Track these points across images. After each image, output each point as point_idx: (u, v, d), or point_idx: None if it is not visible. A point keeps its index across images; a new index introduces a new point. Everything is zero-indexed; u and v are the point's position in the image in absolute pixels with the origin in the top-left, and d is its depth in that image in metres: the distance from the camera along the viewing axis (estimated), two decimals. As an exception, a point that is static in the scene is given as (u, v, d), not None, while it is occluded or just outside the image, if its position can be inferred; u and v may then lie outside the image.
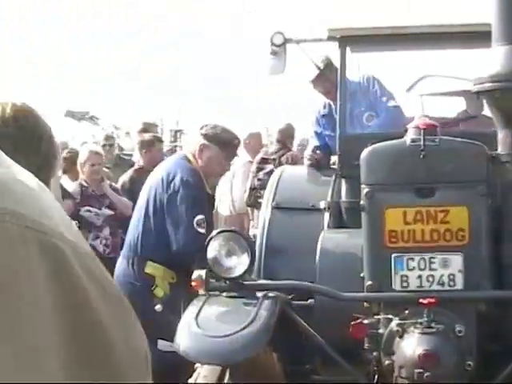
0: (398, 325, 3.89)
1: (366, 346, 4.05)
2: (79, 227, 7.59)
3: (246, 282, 4.02)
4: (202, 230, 4.81)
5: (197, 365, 3.98)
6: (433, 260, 3.91)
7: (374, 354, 4.03)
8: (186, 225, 4.75)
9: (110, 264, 7.26)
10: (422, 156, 3.89)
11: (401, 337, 3.86)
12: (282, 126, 9.48)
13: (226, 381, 3.82)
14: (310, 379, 4.56)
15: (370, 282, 4.03)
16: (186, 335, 3.78)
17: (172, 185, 4.90)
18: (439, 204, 3.92)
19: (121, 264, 5.17)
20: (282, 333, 4.16)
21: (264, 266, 5.31)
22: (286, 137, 9.25)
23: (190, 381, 3.91)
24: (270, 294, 4.03)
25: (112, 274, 5.25)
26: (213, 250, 3.97)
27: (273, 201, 5.65)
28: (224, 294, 4.03)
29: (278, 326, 4.03)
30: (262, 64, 5.87)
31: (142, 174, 8.27)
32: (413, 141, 3.95)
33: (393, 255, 3.94)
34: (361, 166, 4.10)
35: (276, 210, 5.60)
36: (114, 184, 8.04)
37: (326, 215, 5.49)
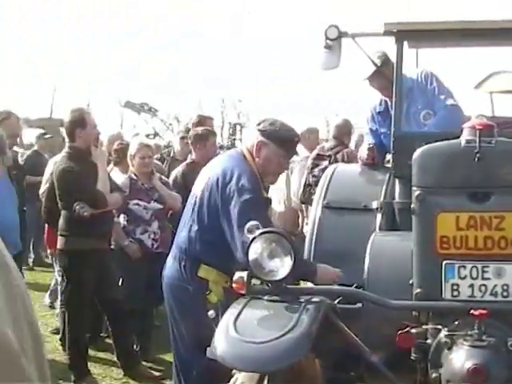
0: (447, 336, 3.69)
1: (413, 356, 3.87)
2: (127, 221, 7.52)
3: (289, 286, 3.85)
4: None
5: (234, 371, 3.82)
6: (486, 269, 3.70)
7: (421, 365, 3.85)
8: (237, 232, 4.50)
9: (158, 259, 7.16)
10: (477, 158, 3.68)
11: (449, 349, 3.67)
12: (339, 122, 9.26)
13: (263, 388, 3.65)
14: None
15: (418, 290, 3.84)
16: (224, 339, 3.63)
17: (228, 187, 4.64)
18: (494, 209, 3.71)
19: (172, 266, 4.95)
20: (326, 338, 4.00)
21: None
22: (342, 133, 9.03)
23: (227, 387, 3.76)
24: (314, 299, 3.85)
25: (157, 269, 5.11)
26: (254, 251, 3.81)
27: (324, 199, 5.51)
28: (266, 297, 3.86)
29: (322, 331, 3.88)
30: (315, 58, 5.69)
31: (194, 169, 8.17)
32: (468, 142, 3.74)
33: (444, 262, 3.75)
34: (412, 167, 3.91)
35: (326, 209, 5.46)
36: (164, 177, 7.93)
37: (378, 216, 5.33)
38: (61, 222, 6.92)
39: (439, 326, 3.78)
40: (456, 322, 3.73)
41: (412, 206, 3.88)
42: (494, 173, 3.73)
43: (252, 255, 3.80)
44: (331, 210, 5.49)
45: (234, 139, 23.74)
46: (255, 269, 3.80)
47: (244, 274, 3.86)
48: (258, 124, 4.92)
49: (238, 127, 29.37)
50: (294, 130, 5.10)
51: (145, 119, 27.81)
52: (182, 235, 4.94)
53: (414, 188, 3.89)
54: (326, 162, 8.36)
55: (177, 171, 8.26)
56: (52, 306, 9.27)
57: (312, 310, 3.74)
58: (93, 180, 6.72)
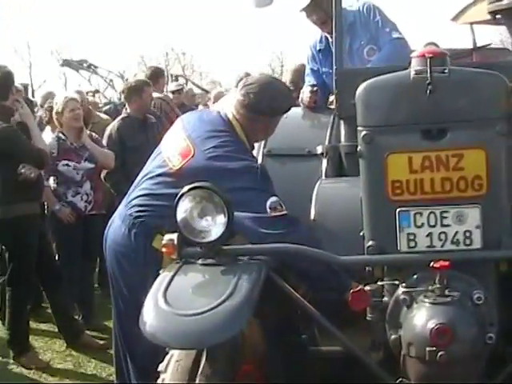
0: (405, 293, 3.28)
1: (369, 316, 3.45)
2: (57, 183, 7.02)
3: (225, 247, 3.38)
4: (281, 213, 3.99)
5: (169, 347, 3.36)
6: (445, 214, 3.27)
7: (379, 325, 3.44)
8: (257, 213, 3.94)
9: (92, 222, 6.72)
10: (428, 90, 3.23)
11: (409, 307, 3.25)
12: (295, 67, 8.86)
13: (201, 366, 3.19)
14: (307, 351, 3.98)
15: (371, 243, 3.41)
16: (152, 313, 3.16)
17: (226, 171, 4.05)
18: (451, 147, 3.26)
19: (118, 229, 4.36)
20: (269, 301, 3.57)
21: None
22: (299, 77, 8.63)
23: (161, 366, 3.29)
24: (254, 260, 3.40)
25: (92, 233, 4.59)
26: (182, 210, 3.34)
27: (264, 147, 5.07)
28: (199, 261, 3.40)
29: (265, 294, 3.44)
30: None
31: (130, 123, 7.69)
32: (417, 72, 3.29)
33: (397, 210, 3.31)
34: (356, 105, 3.46)
35: (268, 157, 5.04)
36: (94, 134, 7.42)
37: (324, 162, 4.92)
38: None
39: (396, 282, 3.36)
40: (415, 277, 3.31)
41: (358, 148, 3.43)
42: (448, 106, 3.28)
43: (180, 214, 3.33)
44: (273, 158, 5.06)
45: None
46: (184, 229, 3.33)
47: (174, 235, 3.40)
48: (244, 96, 4.33)
49: (182, 80, 28.68)
50: (287, 95, 4.55)
51: (86, 77, 26.99)
52: (135, 196, 4.36)
53: (359, 128, 3.44)
54: None
55: (111, 126, 7.77)
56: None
57: (252, 272, 3.29)
58: (27, 139, 6.26)
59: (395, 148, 3.31)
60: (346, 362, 3.58)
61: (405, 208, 3.30)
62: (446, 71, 3.27)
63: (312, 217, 4.15)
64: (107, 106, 10.94)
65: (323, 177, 4.83)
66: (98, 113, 9.21)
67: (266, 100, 4.31)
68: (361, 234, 3.49)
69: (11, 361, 6.60)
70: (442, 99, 3.27)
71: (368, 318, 3.46)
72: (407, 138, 3.31)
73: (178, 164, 4.18)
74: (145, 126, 7.89)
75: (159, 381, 3.23)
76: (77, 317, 7.27)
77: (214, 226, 3.32)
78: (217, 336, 3.05)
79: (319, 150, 4.97)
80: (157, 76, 9.86)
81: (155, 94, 9.30)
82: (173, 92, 11.49)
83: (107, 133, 7.68)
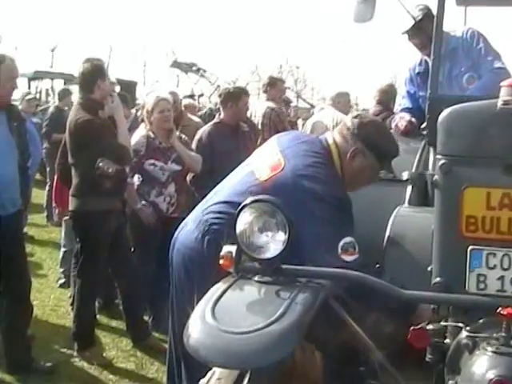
0: (468, 337, 3.04)
1: (428, 357, 3.23)
2: (142, 182, 6.97)
3: (284, 266, 3.22)
4: (351, 258, 3.68)
5: (212, 363, 3.21)
6: None
7: (438, 368, 3.22)
8: (327, 249, 3.69)
9: (173, 224, 6.63)
10: None
11: (471, 352, 3.01)
12: (383, 87, 8.66)
13: (243, 388, 3.04)
14: None
15: (438, 279, 3.19)
16: (198, 327, 3.03)
17: (310, 198, 3.83)
18: (534, 187, 3.03)
19: (191, 233, 4.18)
20: (327, 328, 3.40)
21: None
22: (388, 98, 8.45)
23: (202, 381, 3.15)
24: (313, 282, 3.23)
25: (172, 235, 4.46)
26: (243, 222, 3.19)
27: None
28: (256, 277, 3.25)
29: (323, 321, 3.27)
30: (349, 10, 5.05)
31: (221, 129, 7.61)
32: (505, 103, 3.06)
33: (469, 248, 3.08)
34: (438, 132, 3.25)
35: None
36: (184, 136, 7.35)
37: (409, 189, 4.71)
38: (74, 181, 6.42)
39: (460, 324, 3.12)
40: (480, 321, 3.08)
41: (435, 177, 3.23)
42: None
43: (239, 227, 3.19)
44: None
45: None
46: (242, 243, 3.18)
47: (233, 248, 3.26)
48: (356, 126, 4.09)
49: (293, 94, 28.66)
50: (395, 140, 4.28)
51: (194, 81, 27.22)
52: (214, 202, 4.18)
53: (438, 157, 3.23)
54: None
55: (202, 130, 7.69)
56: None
57: (308, 295, 3.11)
58: (111, 134, 6.21)
59: (474, 181, 3.09)
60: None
61: (478, 247, 3.08)
62: (537, 103, 3.04)
63: (384, 243, 3.95)
64: (203, 111, 10.89)
65: (406, 203, 4.62)
66: (190, 115, 9.14)
67: (381, 136, 4.09)
68: (428, 268, 3.28)
69: (75, 353, 6.57)
70: None
71: (427, 359, 3.24)
72: (488, 171, 3.08)
73: (266, 176, 4.01)
74: (236, 133, 7.80)
75: (199, 397, 3.09)
76: (146, 318, 7.19)
77: (274, 243, 3.16)
78: (261, 359, 2.89)
79: (405, 176, 4.76)
80: (273, 85, 9.72)
81: (268, 103, 9.22)
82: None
83: (197, 137, 7.61)
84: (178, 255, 4.26)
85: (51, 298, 8.35)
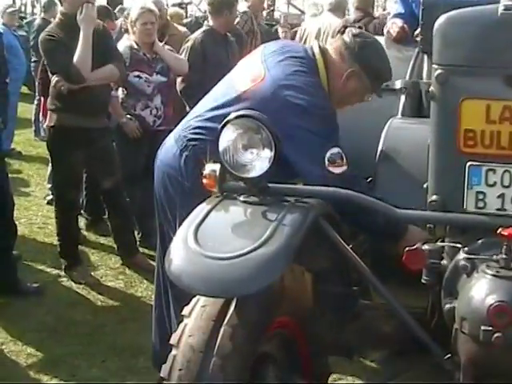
0: (466, 259, 2.87)
1: (424, 279, 3.06)
2: (127, 95, 6.72)
3: (271, 185, 3.02)
4: (339, 170, 3.43)
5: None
6: None
7: (434, 290, 3.07)
8: (314, 162, 3.51)
9: (160, 137, 6.40)
10: None
11: (468, 275, 2.85)
12: None
13: (228, 315, 2.85)
14: (357, 304, 3.63)
15: (434, 197, 3.00)
16: (179, 252, 2.85)
17: (296, 110, 3.61)
18: (537, 98, 2.81)
19: (170, 150, 3.96)
20: (318, 249, 3.22)
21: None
22: (367, 3, 8.22)
23: (185, 309, 2.97)
24: (302, 202, 3.03)
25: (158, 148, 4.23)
26: (226, 139, 2.97)
27: None
28: (241, 197, 3.05)
29: (314, 241, 3.08)
30: None
31: (214, 37, 7.32)
32: (507, 8, 2.82)
33: (468, 164, 2.89)
34: (433, 40, 3.01)
35: None
36: (167, 46, 7.09)
37: (402, 98, 4.47)
38: (50, 95, 6.20)
39: (458, 245, 2.95)
40: (479, 242, 2.91)
41: (430, 89, 3.00)
42: None
43: (222, 144, 2.97)
44: None
45: (273, 10, 22.13)
46: (225, 162, 2.98)
47: (217, 166, 3.05)
48: (357, 46, 3.84)
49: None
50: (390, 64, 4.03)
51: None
52: (196, 118, 3.95)
53: (434, 66, 3.00)
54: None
55: (194, 37, 7.33)
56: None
57: (297, 215, 2.91)
58: (68, 52, 5.93)
59: (472, 93, 2.87)
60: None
61: (476, 162, 2.88)
62: (542, 8, 2.80)
63: (376, 157, 3.74)
64: (188, 19, 10.49)
65: (399, 114, 4.40)
66: (176, 25, 8.81)
67: (380, 61, 3.88)
68: (424, 186, 3.09)
69: (62, 273, 6.43)
70: None
71: (423, 281, 3.07)
72: (487, 82, 2.86)
73: (245, 87, 3.79)
74: (226, 42, 7.50)
75: (181, 325, 2.92)
76: (136, 234, 7.04)
77: (259, 161, 2.95)
78: (246, 286, 2.73)
79: (398, 84, 4.51)
80: None
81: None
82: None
83: (189, 43, 7.20)
84: (158, 172, 4.06)
85: (38, 216, 8.18)
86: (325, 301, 3.43)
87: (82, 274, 6.34)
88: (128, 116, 6.72)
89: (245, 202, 3.02)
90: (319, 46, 3.91)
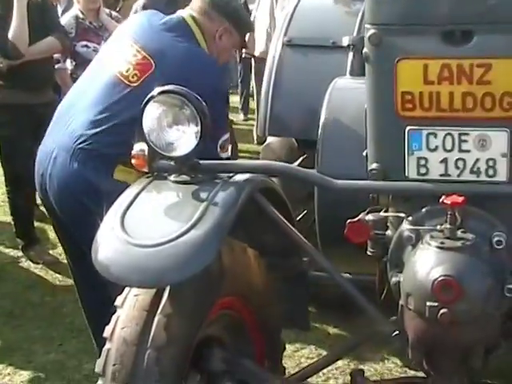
0: (411, 230, 2.70)
1: (370, 251, 2.91)
2: (75, 66, 6.48)
3: (202, 162, 2.84)
4: (226, 154, 3.63)
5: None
6: (465, 138, 2.65)
7: (381, 263, 2.92)
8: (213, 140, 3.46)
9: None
10: None
11: (414, 246, 2.69)
12: None
13: (162, 304, 2.68)
14: (307, 275, 3.48)
15: (374, 165, 2.82)
16: (105, 241, 2.68)
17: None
18: (477, 55, 2.60)
19: (67, 166, 3.66)
20: (258, 224, 3.07)
21: (270, 116, 4.23)
22: None
23: (118, 300, 2.78)
24: (236, 178, 2.85)
25: None
26: (150, 117, 2.78)
27: (285, 35, 4.48)
28: (172, 177, 2.87)
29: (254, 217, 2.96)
30: None
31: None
32: (441, -43, 2.62)
33: (407, 128, 2.70)
34: None
35: (288, 47, 4.45)
36: (114, 13, 6.83)
37: (350, 56, 4.26)
38: None
39: (401, 215, 2.78)
40: (423, 210, 2.74)
41: (364, 50, 2.81)
42: (477, 3, 2.61)
43: (147, 123, 2.78)
44: (293, 48, 4.47)
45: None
46: (150, 140, 2.79)
47: (145, 145, 2.86)
48: (226, 4, 3.89)
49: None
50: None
51: None
52: (83, 123, 3.68)
53: (366, 26, 2.79)
54: None
55: (137, 4, 7.09)
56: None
57: (230, 192, 2.74)
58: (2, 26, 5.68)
59: (408, 52, 2.67)
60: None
61: (416, 127, 2.70)
62: (477, -45, 2.59)
63: (321, 122, 3.56)
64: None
65: (347, 74, 4.21)
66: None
67: (244, 12, 4.03)
68: (363, 153, 2.91)
69: (20, 253, 6.25)
70: None
71: (369, 253, 2.91)
72: (423, 40, 2.66)
73: (137, 80, 3.64)
74: (175, 3, 7.22)
75: (114, 317, 2.75)
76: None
77: (186, 138, 2.77)
78: (176, 273, 2.57)
79: (346, 41, 4.30)
80: None
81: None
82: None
83: (133, 10, 7.01)
84: (63, 194, 3.73)
85: (-1, 194, 7.96)
86: (275, 273, 3.29)
87: (39, 253, 6.17)
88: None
89: (175, 181, 2.84)
90: (190, 15, 3.85)
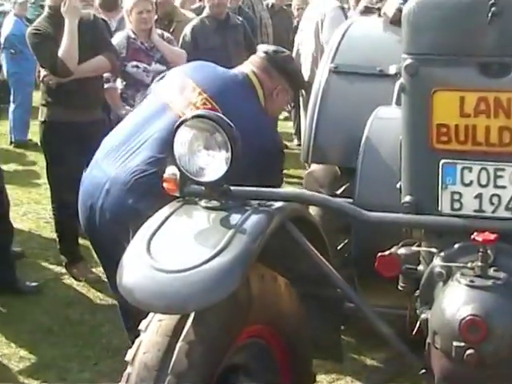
0: (442, 266, 2.63)
1: (401, 285, 2.84)
2: (125, 85, 6.51)
3: (233, 188, 2.81)
4: None
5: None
6: (500, 173, 2.59)
7: (412, 298, 2.85)
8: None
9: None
10: (491, 13, 2.51)
11: (444, 282, 2.62)
12: None
13: (185, 330, 2.64)
14: (343, 307, 3.41)
15: (407, 198, 2.76)
16: (130, 265, 2.66)
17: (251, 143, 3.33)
18: (516, 88, 2.54)
19: (117, 192, 3.75)
20: (290, 254, 3.02)
21: (313, 143, 4.23)
22: None
23: (142, 324, 2.76)
24: (267, 205, 2.81)
25: None
26: (181, 141, 2.76)
27: (332, 62, 4.42)
28: (203, 202, 2.84)
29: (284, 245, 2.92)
30: None
31: (208, 25, 7.09)
32: (479, -11, 2.56)
33: (441, 162, 2.64)
34: (402, 27, 2.76)
35: (334, 73, 4.40)
36: (167, 34, 6.84)
37: (397, 84, 4.20)
38: (40, 89, 6.07)
39: (433, 250, 2.71)
40: (456, 246, 2.66)
41: (400, 80, 2.76)
42: None
43: (177, 147, 2.76)
44: (340, 75, 4.41)
45: None
46: (181, 165, 2.77)
47: (176, 169, 2.85)
48: (281, 61, 3.97)
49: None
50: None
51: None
52: (144, 156, 3.73)
53: (403, 56, 2.74)
54: (375, 16, 7.22)
55: (187, 28, 7.14)
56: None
57: (259, 219, 2.70)
58: (54, 45, 5.74)
59: (445, 84, 2.62)
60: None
61: (451, 160, 2.64)
62: (519, -10, 2.53)
63: (360, 152, 3.51)
64: (197, 4, 10.17)
65: (393, 102, 4.15)
66: (184, 11, 8.57)
67: (299, 71, 4.19)
68: (397, 185, 2.85)
69: (63, 270, 6.27)
70: (508, 26, 2.54)
71: (400, 288, 2.85)
72: (460, 71, 2.61)
73: None
74: (225, 27, 7.24)
75: (137, 341, 2.73)
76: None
77: (216, 163, 2.74)
78: (199, 300, 2.54)
79: (392, 70, 4.24)
80: None
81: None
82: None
83: (183, 34, 7.07)
84: (114, 227, 3.73)
85: (47, 210, 7.99)
86: (306, 305, 3.23)
87: (82, 270, 6.17)
88: (127, 107, 6.49)
89: (206, 207, 2.82)
90: (252, 71, 3.93)
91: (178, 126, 2.76)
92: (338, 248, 3.96)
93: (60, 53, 5.65)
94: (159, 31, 6.73)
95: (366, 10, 7.57)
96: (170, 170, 2.89)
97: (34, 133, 11.05)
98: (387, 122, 3.61)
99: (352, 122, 3.99)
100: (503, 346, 2.41)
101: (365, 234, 3.36)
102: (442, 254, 2.67)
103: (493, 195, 2.60)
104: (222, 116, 2.73)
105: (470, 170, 2.61)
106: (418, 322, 2.83)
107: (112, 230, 3.72)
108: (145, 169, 3.67)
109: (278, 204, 2.84)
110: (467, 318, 2.39)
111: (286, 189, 2.94)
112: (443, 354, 2.49)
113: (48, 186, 8.24)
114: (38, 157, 10.22)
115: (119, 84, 6.55)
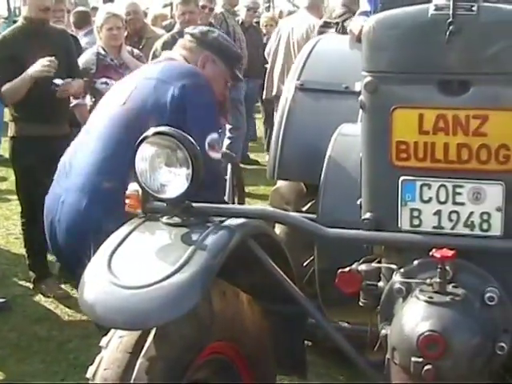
0: (401, 282, 2.65)
1: (362, 301, 2.85)
2: (95, 102, 6.49)
3: (195, 204, 2.81)
4: (216, 155, 3.64)
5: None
6: (459, 190, 2.61)
7: (373, 314, 2.86)
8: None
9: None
10: (449, 32, 2.54)
11: (404, 299, 2.63)
12: None
13: (145, 347, 2.64)
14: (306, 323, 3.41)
15: (367, 215, 2.78)
16: (91, 282, 2.65)
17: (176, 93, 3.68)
18: (473, 106, 2.57)
19: (70, 200, 3.73)
20: (252, 270, 3.03)
21: (279, 159, 4.25)
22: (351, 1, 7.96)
23: (103, 340, 2.76)
24: (228, 222, 2.82)
25: None
26: (142, 158, 2.77)
27: (298, 79, 4.43)
28: (165, 218, 2.84)
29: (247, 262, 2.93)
30: None
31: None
32: (438, 8, 2.58)
33: (401, 179, 2.66)
34: (362, 46, 2.78)
35: (300, 90, 4.40)
36: (136, 51, 6.84)
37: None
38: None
39: (393, 266, 2.73)
40: (415, 263, 2.68)
41: (360, 98, 2.78)
42: (474, 53, 2.57)
43: (139, 163, 2.77)
44: (306, 92, 4.42)
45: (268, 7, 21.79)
46: (142, 182, 2.77)
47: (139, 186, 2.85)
48: (200, 34, 4.03)
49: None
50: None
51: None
52: (90, 162, 3.75)
53: (362, 73, 2.77)
54: (332, 30, 7.31)
55: (158, 43, 7.14)
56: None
57: (219, 236, 2.71)
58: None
59: (404, 101, 2.64)
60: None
61: (410, 177, 2.66)
62: (475, 8, 2.55)
63: (323, 169, 3.53)
64: (168, 21, 10.19)
65: (359, 119, 4.17)
66: (153, 28, 8.59)
67: (224, 41, 4.10)
68: (357, 202, 2.87)
69: (31, 286, 6.23)
70: (466, 44, 2.57)
71: (361, 304, 2.85)
72: (419, 89, 2.63)
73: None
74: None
75: (98, 357, 2.73)
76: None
77: (177, 180, 2.75)
78: (160, 316, 2.55)
79: (358, 87, 4.27)
80: None
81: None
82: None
83: (153, 48, 7.06)
84: (70, 234, 3.73)
85: (18, 226, 7.93)
86: (269, 321, 3.24)
87: (50, 287, 6.13)
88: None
89: (167, 223, 2.82)
90: (178, 54, 4.04)
91: (140, 143, 2.76)
92: (304, 264, 3.95)
93: (4, 87, 5.68)
94: (129, 48, 6.74)
95: (324, 24, 7.77)
96: (132, 187, 2.89)
97: (5, 149, 11.02)
98: (350, 138, 3.62)
99: (317, 138, 4.00)
100: (461, 362, 2.43)
101: (327, 251, 3.36)
102: (402, 270, 2.68)
103: (451, 212, 2.62)
104: (184, 133, 2.73)
105: (429, 186, 2.63)
106: (379, 338, 2.85)
107: (71, 245, 3.71)
108: (94, 172, 3.68)
109: (240, 221, 2.84)
110: (425, 334, 2.40)
111: (247, 206, 2.93)
112: (402, 370, 2.50)
113: (18, 202, 8.25)
114: (9, 172, 10.17)
115: (88, 100, 6.54)
